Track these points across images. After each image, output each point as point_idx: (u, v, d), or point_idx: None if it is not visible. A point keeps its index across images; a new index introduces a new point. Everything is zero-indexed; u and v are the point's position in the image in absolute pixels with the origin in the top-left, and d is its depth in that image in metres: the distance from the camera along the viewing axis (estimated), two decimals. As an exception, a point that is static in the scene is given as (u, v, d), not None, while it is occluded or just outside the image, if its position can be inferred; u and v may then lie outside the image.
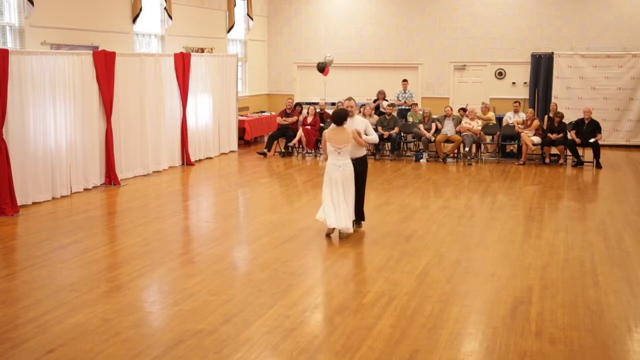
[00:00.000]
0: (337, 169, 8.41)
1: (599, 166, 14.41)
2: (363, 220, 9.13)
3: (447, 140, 15.26)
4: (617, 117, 17.62)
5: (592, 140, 14.52)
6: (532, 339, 5.57)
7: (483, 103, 17.12)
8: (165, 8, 15.06)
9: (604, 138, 16.23)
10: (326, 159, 8.61)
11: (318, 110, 16.32)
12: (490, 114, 16.28)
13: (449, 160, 15.24)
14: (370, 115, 15.88)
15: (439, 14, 19.03)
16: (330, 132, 8.53)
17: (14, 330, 5.67)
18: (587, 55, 17.73)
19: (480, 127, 15.24)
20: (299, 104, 16.83)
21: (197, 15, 16.74)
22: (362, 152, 8.86)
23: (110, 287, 6.76)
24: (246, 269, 7.70)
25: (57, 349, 5.30)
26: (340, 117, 8.49)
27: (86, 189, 11.59)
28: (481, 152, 15.68)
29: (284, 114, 16.39)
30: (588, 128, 14.72)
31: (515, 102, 16.05)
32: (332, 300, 6.48)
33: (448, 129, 15.33)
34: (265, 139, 16.94)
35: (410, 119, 16.26)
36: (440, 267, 7.51)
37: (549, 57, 18.03)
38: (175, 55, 14.14)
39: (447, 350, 5.36)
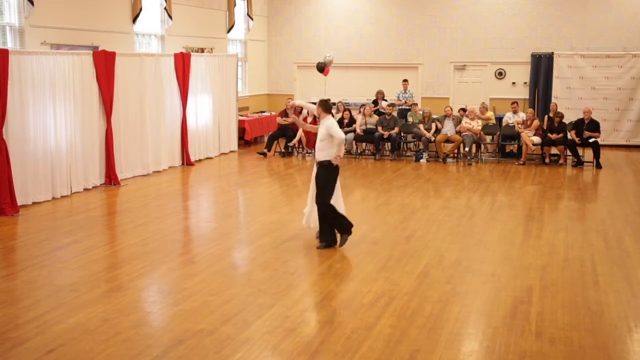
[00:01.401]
0: None
1: (599, 166, 14.41)
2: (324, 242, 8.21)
3: (447, 140, 15.26)
4: (617, 117, 17.62)
5: (591, 139, 14.50)
6: (532, 339, 5.57)
7: (482, 103, 17.14)
8: (165, 8, 15.06)
9: (604, 138, 16.25)
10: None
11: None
12: (489, 114, 16.26)
13: (449, 160, 15.24)
14: (370, 115, 15.90)
15: (439, 14, 19.02)
16: None
17: (14, 330, 5.67)
18: (587, 55, 17.73)
19: (480, 127, 15.24)
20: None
21: (197, 15, 16.74)
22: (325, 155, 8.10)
23: (110, 287, 6.76)
24: (246, 269, 7.70)
25: (57, 349, 5.30)
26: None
27: (86, 189, 11.59)
28: (481, 152, 15.68)
29: (284, 114, 16.38)
30: (588, 128, 14.72)
31: (513, 103, 16.04)
32: (332, 300, 6.48)
33: (448, 129, 15.33)
34: (265, 139, 16.93)
35: (410, 119, 16.26)
36: (440, 267, 7.51)
37: (549, 57, 18.03)
38: (175, 55, 14.14)
39: (447, 350, 5.36)
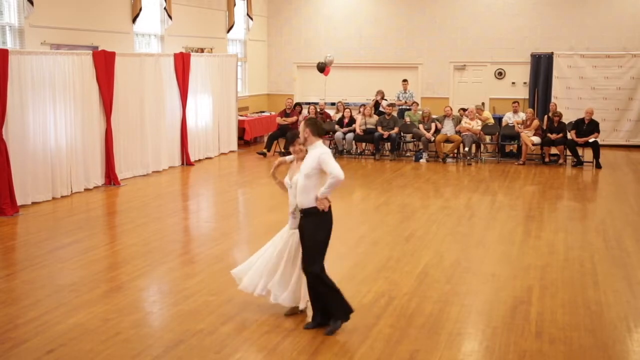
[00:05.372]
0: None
1: (598, 166, 14.41)
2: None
3: (447, 140, 15.26)
4: (616, 117, 17.62)
5: (591, 140, 14.51)
6: (532, 339, 5.57)
7: (482, 104, 17.16)
8: (165, 8, 15.05)
9: (604, 138, 16.25)
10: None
11: (318, 110, 16.31)
12: (486, 114, 16.22)
13: (448, 160, 15.24)
14: (370, 116, 15.89)
15: (438, 14, 19.02)
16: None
17: (14, 330, 5.67)
18: (586, 55, 17.72)
19: (480, 127, 15.24)
20: (299, 104, 16.84)
21: (197, 15, 16.74)
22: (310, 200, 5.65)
23: (110, 287, 6.76)
24: (246, 269, 7.68)
25: (57, 349, 5.30)
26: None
27: (86, 189, 11.58)
28: (481, 152, 15.67)
29: (284, 114, 16.39)
30: (588, 128, 14.73)
31: (514, 103, 16.05)
32: (332, 300, 6.47)
33: (448, 129, 15.33)
34: (265, 139, 16.94)
35: (407, 119, 16.15)
36: (440, 267, 7.51)
37: (549, 57, 18.02)
38: (175, 55, 14.14)
39: (447, 350, 5.36)
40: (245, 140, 17.56)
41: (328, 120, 16.47)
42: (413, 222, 9.62)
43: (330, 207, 5.64)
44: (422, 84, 19.33)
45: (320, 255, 5.67)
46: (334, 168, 5.45)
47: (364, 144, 16.25)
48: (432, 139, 15.28)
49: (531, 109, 16.07)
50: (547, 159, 15.02)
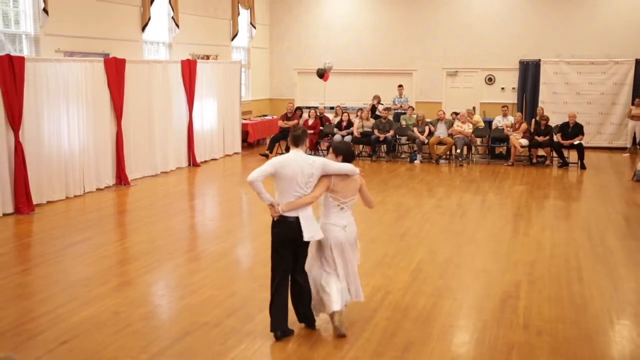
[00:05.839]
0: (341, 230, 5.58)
1: (583, 167, 14.42)
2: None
3: (440, 143, 15.27)
4: (600, 120, 17.63)
5: (576, 142, 14.53)
6: (520, 331, 5.59)
7: (473, 108, 17.15)
8: (172, 17, 15.06)
9: (588, 140, 16.26)
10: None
11: (318, 113, 16.32)
12: (476, 117, 16.23)
13: (441, 161, 15.25)
14: (367, 119, 15.90)
15: (432, 23, 19.00)
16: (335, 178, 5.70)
17: (30, 322, 5.68)
18: (572, 62, 17.74)
19: (471, 130, 15.25)
20: (299, 108, 16.84)
21: (203, 24, 16.73)
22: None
23: (120, 282, 6.77)
24: (249, 264, 7.70)
25: (70, 340, 5.31)
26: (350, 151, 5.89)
27: (98, 189, 11.58)
28: (472, 154, 15.68)
29: (285, 117, 16.39)
30: (573, 131, 14.75)
31: (503, 107, 16.07)
32: (330, 295, 6.47)
33: (441, 131, 15.34)
34: (267, 141, 16.94)
35: (402, 122, 16.17)
36: (433, 263, 7.52)
37: (536, 64, 18.03)
38: (182, 62, 14.14)
39: (440, 341, 5.37)
40: (248, 142, 17.56)
41: (327, 123, 16.48)
42: (408, 220, 9.63)
43: (287, 224, 5.33)
44: (416, 89, 19.33)
45: (272, 265, 5.36)
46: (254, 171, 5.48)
47: (361, 146, 16.24)
48: (426, 141, 15.29)
49: (519, 113, 16.08)
50: (534, 160, 15.04)
